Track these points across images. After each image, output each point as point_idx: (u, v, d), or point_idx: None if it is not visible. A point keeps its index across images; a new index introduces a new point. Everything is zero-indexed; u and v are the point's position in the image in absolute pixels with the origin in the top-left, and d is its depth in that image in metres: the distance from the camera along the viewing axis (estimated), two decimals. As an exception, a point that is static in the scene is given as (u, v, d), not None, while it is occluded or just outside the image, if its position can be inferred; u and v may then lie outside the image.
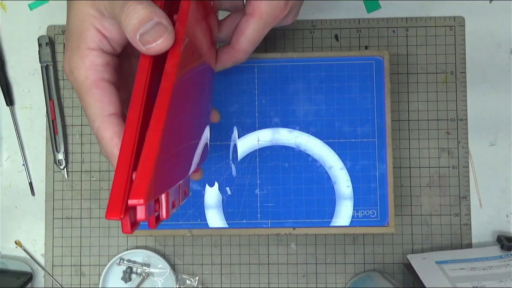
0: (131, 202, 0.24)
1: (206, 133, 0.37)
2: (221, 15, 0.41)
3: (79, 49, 0.31)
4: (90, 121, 0.31)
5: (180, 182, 0.31)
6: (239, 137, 0.46)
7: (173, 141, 0.28)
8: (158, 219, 0.29)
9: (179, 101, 0.28)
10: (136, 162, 0.26)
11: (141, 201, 0.24)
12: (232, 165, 0.46)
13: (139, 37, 0.28)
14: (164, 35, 0.28)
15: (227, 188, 0.46)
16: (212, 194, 0.46)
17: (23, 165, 0.51)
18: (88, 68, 0.31)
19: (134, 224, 0.26)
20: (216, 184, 0.46)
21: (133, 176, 0.26)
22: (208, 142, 0.38)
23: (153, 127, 0.26)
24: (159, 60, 0.29)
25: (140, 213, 0.26)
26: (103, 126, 0.30)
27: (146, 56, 0.29)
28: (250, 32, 0.37)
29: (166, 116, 0.26)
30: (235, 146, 0.46)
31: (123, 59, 0.34)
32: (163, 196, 0.29)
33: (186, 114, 0.31)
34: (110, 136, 0.30)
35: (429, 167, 0.50)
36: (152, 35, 0.28)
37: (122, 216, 0.25)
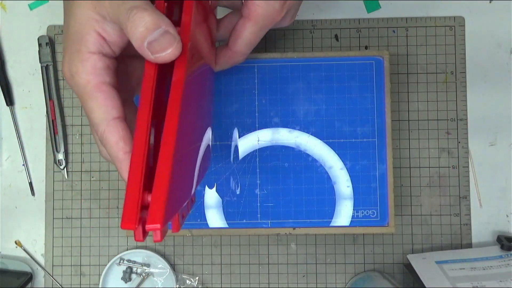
0: (148, 227, 0.25)
1: (208, 134, 0.37)
2: (221, 13, 0.41)
3: (79, 53, 0.31)
4: (94, 125, 0.31)
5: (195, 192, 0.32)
6: (239, 137, 0.46)
7: (184, 155, 0.28)
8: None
9: (186, 110, 0.29)
10: (148, 170, 0.27)
11: (158, 225, 0.25)
12: (234, 165, 0.46)
13: (147, 45, 0.28)
14: (174, 44, 0.28)
15: (232, 191, 0.46)
16: (212, 194, 0.46)
17: (23, 165, 0.51)
18: (90, 72, 0.30)
19: (146, 232, 0.27)
20: (215, 186, 0.46)
21: (148, 198, 0.26)
22: (211, 143, 0.38)
23: (164, 149, 0.26)
24: (163, 65, 0.29)
25: (156, 236, 0.27)
26: (108, 130, 0.30)
27: (151, 64, 0.29)
28: (247, 34, 0.37)
29: (176, 135, 0.27)
30: (236, 147, 0.46)
31: (119, 61, 0.34)
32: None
33: (192, 123, 0.31)
34: (116, 140, 0.30)
35: (429, 167, 0.50)
36: (162, 44, 0.28)
37: (136, 226, 0.26)
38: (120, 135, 0.30)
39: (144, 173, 0.27)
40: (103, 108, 0.30)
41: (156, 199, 0.25)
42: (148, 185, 0.27)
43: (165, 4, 0.31)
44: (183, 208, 0.31)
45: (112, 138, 0.30)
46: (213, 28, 0.38)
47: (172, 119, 0.27)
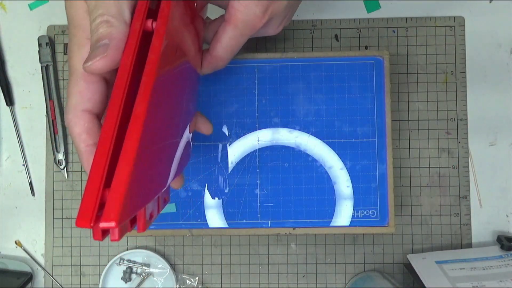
0: (102, 225, 0.23)
1: (187, 137, 0.36)
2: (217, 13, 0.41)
3: (77, 38, 0.30)
4: (65, 110, 0.31)
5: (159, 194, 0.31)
6: (239, 137, 0.46)
7: (151, 150, 0.28)
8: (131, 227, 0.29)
9: (158, 105, 0.28)
10: (112, 166, 0.25)
11: (113, 223, 0.23)
12: (223, 166, 0.46)
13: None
14: (96, 58, 0.28)
15: (231, 191, 0.46)
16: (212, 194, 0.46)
17: (23, 165, 0.51)
18: (84, 58, 0.30)
19: (106, 232, 0.25)
20: (206, 186, 0.46)
21: (107, 193, 0.25)
22: (191, 147, 0.37)
23: (129, 139, 0.25)
24: (139, 63, 0.29)
25: (113, 235, 0.25)
26: (74, 121, 0.30)
27: (126, 61, 0.28)
28: (226, 39, 0.36)
29: (143, 126, 0.26)
30: (224, 146, 0.46)
31: None
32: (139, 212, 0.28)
33: (166, 118, 0.30)
34: (79, 132, 0.30)
35: (429, 167, 0.50)
36: (90, 56, 0.28)
37: (92, 225, 0.24)
38: (85, 127, 0.30)
39: (107, 169, 0.25)
40: (78, 96, 0.30)
41: (113, 196, 0.24)
42: (110, 182, 0.25)
43: (148, 3, 0.30)
44: (150, 207, 0.29)
45: (75, 129, 0.30)
46: (199, 29, 0.37)
47: (139, 114, 0.26)
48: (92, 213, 0.24)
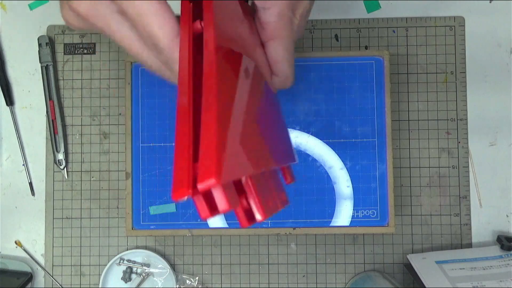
0: (200, 186, 0.19)
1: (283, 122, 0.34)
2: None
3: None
4: (161, 48, 0.27)
5: (271, 168, 0.26)
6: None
7: (245, 113, 0.24)
8: (251, 216, 0.23)
9: (230, 80, 0.25)
10: (195, 142, 0.22)
11: (212, 180, 0.18)
12: None
13: None
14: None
15: None
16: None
17: (23, 165, 0.51)
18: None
19: (213, 205, 0.21)
20: None
21: (197, 167, 0.20)
22: (293, 146, 0.35)
23: (207, 92, 0.22)
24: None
25: (220, 200, 0.20)
26: (178, 48, 0.27)
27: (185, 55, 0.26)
28: (282, 56, 0.33)
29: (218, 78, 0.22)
30: None
31: None
32: (249, 184, 0.23)
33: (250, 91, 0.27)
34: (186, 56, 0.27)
35: (429, 167, 0.50)
36: None
37: (190, 191, 0.19)
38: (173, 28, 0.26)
39: (192, 145, 0.21)
40: (168, 25, 0.26)
41: (205, 147, 0.19)
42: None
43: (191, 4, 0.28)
44: (262, 189, 0.24)
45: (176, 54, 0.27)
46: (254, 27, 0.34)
47: (210, 80, 0.23)
48: (188, 181, 0.20)
